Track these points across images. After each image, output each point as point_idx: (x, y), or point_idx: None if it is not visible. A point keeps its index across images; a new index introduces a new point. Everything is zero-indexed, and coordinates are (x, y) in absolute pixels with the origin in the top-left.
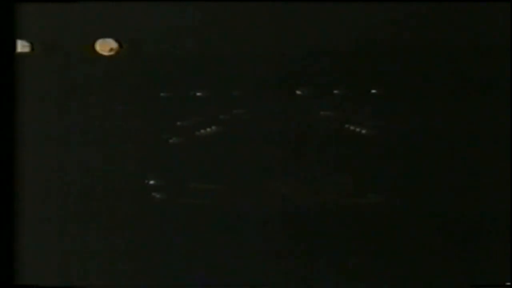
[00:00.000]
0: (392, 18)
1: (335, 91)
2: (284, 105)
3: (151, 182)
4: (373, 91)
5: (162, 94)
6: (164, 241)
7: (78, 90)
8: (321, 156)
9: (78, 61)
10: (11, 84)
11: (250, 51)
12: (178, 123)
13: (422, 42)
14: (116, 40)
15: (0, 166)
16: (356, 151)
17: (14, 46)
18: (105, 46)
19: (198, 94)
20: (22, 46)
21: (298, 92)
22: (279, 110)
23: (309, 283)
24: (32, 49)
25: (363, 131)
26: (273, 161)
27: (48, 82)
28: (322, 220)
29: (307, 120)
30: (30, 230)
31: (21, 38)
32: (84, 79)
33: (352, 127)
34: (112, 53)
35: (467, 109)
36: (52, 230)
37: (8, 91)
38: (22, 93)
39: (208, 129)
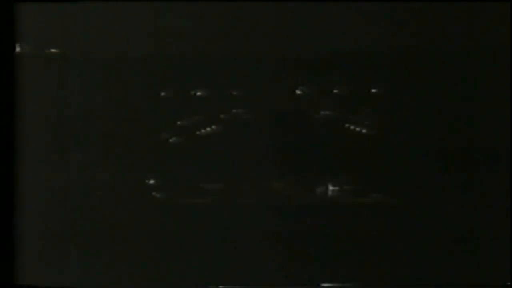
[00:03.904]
0: (392, 18)
1: (335, 91)
2: (284, 105)
3: (151, 182)
4: (373, 90)
5: (162, 94)
6: (164, 240)
7: (78, 90)
8: (321, 155)
9: (78, 62)
10: (11, 83)
11: (250, 51)
12: (179, 122)
13: (422, 42)
14: None
15: (0, 166)
16: (356, 150)
17: (14, 46)
18: None
19: (198, 93)
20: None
21: (298, 92)
22: (279, 110)
23: (310, 281)
24: (29, 49)
25: (363, 131)
26: (273, 161)
27: (47, 82)
28: (322, 218)
29: (307, 120)
30: (30, 230)
31: (20, 38)
32: (84, 79)
33: (352, 127)
34: None
35: (467, 108)
36: (52, 230)
37: (8, 90)
38: (22, 93)
39: (208, 129)
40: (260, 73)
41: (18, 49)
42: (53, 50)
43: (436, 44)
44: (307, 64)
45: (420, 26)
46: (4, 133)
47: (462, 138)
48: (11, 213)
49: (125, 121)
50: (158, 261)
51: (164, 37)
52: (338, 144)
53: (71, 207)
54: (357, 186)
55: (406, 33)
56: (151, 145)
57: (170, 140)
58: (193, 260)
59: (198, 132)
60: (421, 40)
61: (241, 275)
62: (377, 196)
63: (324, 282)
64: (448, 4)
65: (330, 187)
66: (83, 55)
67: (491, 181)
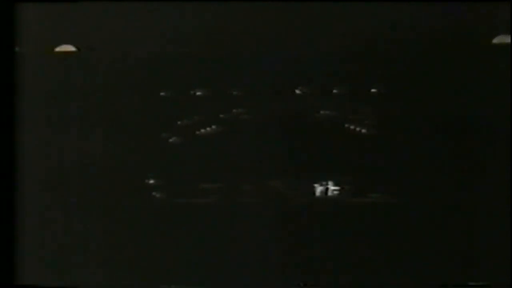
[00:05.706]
0: (392, 18)
1: (335, 91)
2: (284, 105)
3: (151, 181)
4: (373, 90)
5: (162, 94)
6: (164, 240)
7: (78, 91)
8: (321, 155)
9: (78, 62)
10: (11, 83)
11: (250, 51)
12: (179, 122)
13: (422, 42)
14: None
15: (1, 167)
16: (356, 150)
17: (14, 46)
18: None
19: (198, 93)
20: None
21: (298, 92)
22: (279, 110)
23: (309, 281)
24: (31, 49)
25: (363, 130)
26: (273, 161)
27: (48, 82)
28: (322, 218)
29: (307, 120)
30: (30, 230)
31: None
32: (84, 79)
33: (352, 126)
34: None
35: (466, 108)
36: (52, 230)
37: (8, 90)
38: (22, 92)
39: (208, 128)
40: (260, 73)
41: (18, 48)
42: (51, 50)
43: (435, 43)
44: (307, 63)
45: (420, 25)
46: (4, 133)
47: (462, 138)
48: (11, 213)
49: (125, 121)
50: (158, 261)
51: (164, 37)
52: (338, 144)
53: (70, 208)
54: (357, 185)
55: (407, 32)
56: (151, 145)
57: (170, 140)
58: (193, 260)
59: (198, 132)
60: (420, 39)
61: (241, 275)
62: (377, 195)
63: (323, 281)
64: (448, 4)
65: (330, 187)
66: (82, 55)
67: (490, 183)
